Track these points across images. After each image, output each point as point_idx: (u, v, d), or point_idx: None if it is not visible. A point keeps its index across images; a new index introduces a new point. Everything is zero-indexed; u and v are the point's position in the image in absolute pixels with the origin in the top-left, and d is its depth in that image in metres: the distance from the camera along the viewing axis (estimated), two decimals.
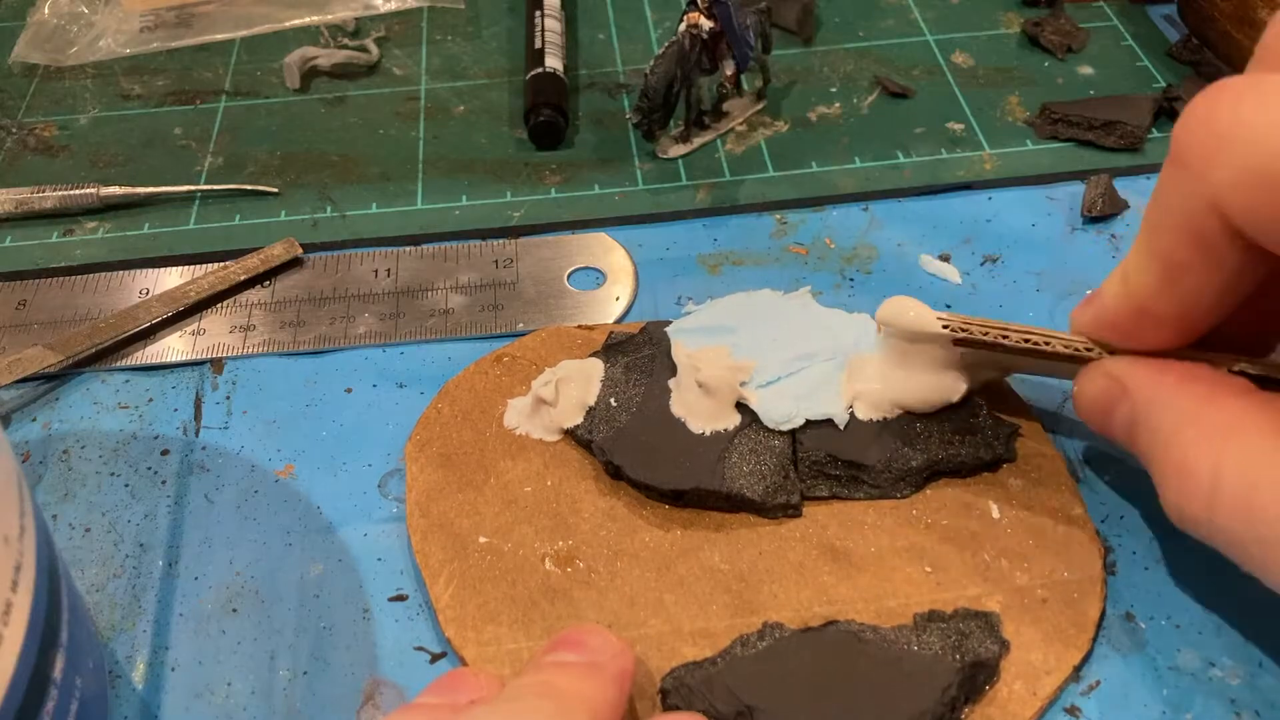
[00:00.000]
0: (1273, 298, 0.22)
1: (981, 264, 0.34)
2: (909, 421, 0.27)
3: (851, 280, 0.33)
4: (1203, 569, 0.25)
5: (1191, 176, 0.19)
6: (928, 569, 0.25)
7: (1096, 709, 0.23)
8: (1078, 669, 0.24)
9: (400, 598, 0.26)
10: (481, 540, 0.26)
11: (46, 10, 0.45)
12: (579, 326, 0.31)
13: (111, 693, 0.24)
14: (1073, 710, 0.23)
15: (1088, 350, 0.24)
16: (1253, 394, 0.21)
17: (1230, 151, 0.18)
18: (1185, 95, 0.38)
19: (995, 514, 0.26)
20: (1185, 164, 0.19)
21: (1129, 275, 0.21)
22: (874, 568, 0.25)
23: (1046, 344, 0.24)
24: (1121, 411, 0.22)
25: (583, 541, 0.26)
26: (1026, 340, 0.24)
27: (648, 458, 0.26)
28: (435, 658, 0.25)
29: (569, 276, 0.34)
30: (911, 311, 0.25)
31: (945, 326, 0.24)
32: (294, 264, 0.34)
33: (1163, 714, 0.23)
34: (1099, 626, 0.24)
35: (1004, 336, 0.24)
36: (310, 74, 0.42)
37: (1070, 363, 0.24)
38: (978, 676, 0.23)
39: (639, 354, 0.29)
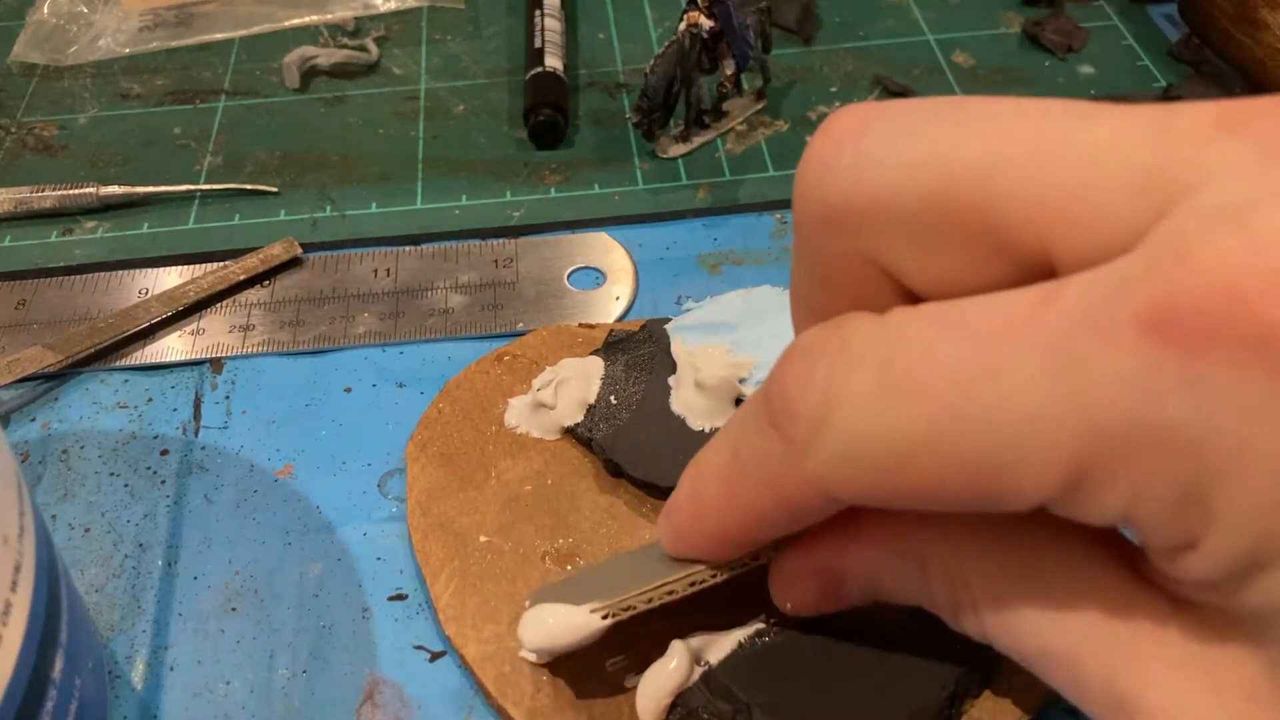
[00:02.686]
0: None
1: None
2: None
3: None
4: None
5: (788, 460, 0.17)
6: None
7: None
8: None
9: (400, 597, 0.26)
10: (482, 539, 0.26)
11: (46, 10, 0.45)
12: (580, 325, 0.31)
13: (111, 692, 0.24)
14: (1073, 710, 0.23)
15: (712, 576, 0.21)
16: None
17: (830, 434, 0.16)
18: (1186, 95, 0.38)
19: None
20: (787, 446, 0.17)
21: (704, 503, 0.20)
22: None
23: (671, 594, 0.21)
24: (849, 593, 0.21)
25: (583, 540, 0.26)
26: (668, 595, 0.21)
27: (648, 455, 0.26)
28: (435, 656, 0.25)
29: (569, 276, 0.34)
30: (569, 619, 0.21)
31: (603, 615, 0.21)
32: (293, 264, 0.34)
33: None
34: None
35: (648, 601, 0.21)
36: (310, 73, 0.42)
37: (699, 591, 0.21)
38: (978, 671, 0.23)
39: (639, 351, 0.29)
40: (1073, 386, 0.14)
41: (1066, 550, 0.18)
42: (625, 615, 0.21)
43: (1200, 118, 0.14)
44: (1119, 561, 0.17)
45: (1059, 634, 0.17)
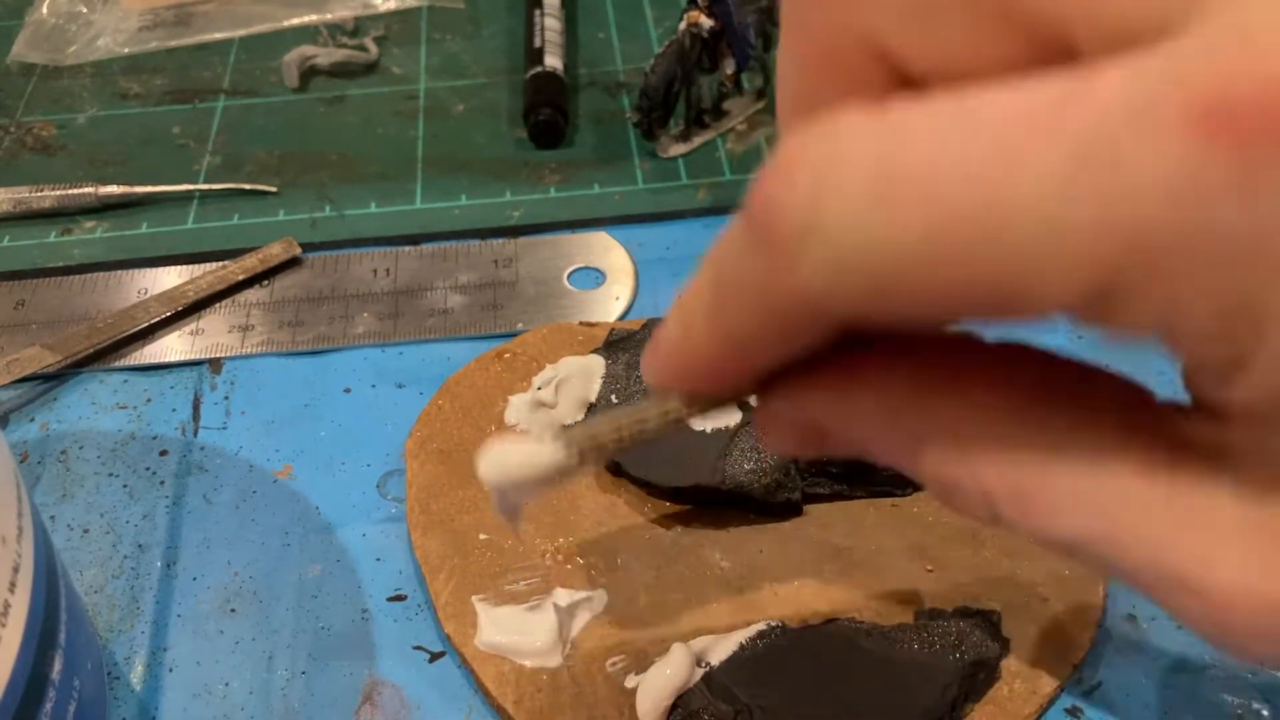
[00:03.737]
0: None
1: None
2: None
3: None
4: None
5: (775, 270, 0.15)
6: (929, 567, 0.25)
7: (1097, 710, 0.23)
8: (1078, 668, 0.24)
9: (399, 598, 0.26)
10: (481, 537, 0.26)
11: (45, 9, 0.45)
12: (581, 323, 0.31)
13: (110, 693, 0.24)
14: (1073, 711, 0.23)
15: (688, 409, 0.19)
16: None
17: (818, 243, 0.14)
18: None
19: None
20: (770, 258, 0.15)
21: (698, 335, 0.18)
22: (875, 566, 0.25)
23: (643, 425, 0.19)
24: (834, 447, 0.19)
25: (583, 538, 0.26)
26: (640, 426, 0.19)
27: (648, 455, 0.26)
28: (434, 657, 0.25)
29: (569, 276, 0.33)
30: (532, 451, 0.19)
31: (567, 446, 0.19)
32: (293, 264, 0.34)
33: (1163, 715, 0.23)
34: (1100, 625, 0.24)
35: (618, 433, 0.19)
36: (309, 73, 0.42)
37: (673, 425, 0.19)
38: (978, 675, 0.23)
39: (640, 350, 0.29)
40: (1105, 187, 0.12)
41: (1089, 428, 0.16)
42: (593, 450, 0.19)
43: None
44: (1149, 434, 0.16)
45: (1089, 518, 0.16)
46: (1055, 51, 0.14)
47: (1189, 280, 0.13)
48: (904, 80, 0.16)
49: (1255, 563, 0.14)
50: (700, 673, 0.22)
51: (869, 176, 0.14)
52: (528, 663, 0.23)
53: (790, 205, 0.14)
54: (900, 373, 0.17)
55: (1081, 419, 0.16)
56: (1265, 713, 0.23)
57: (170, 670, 0.25)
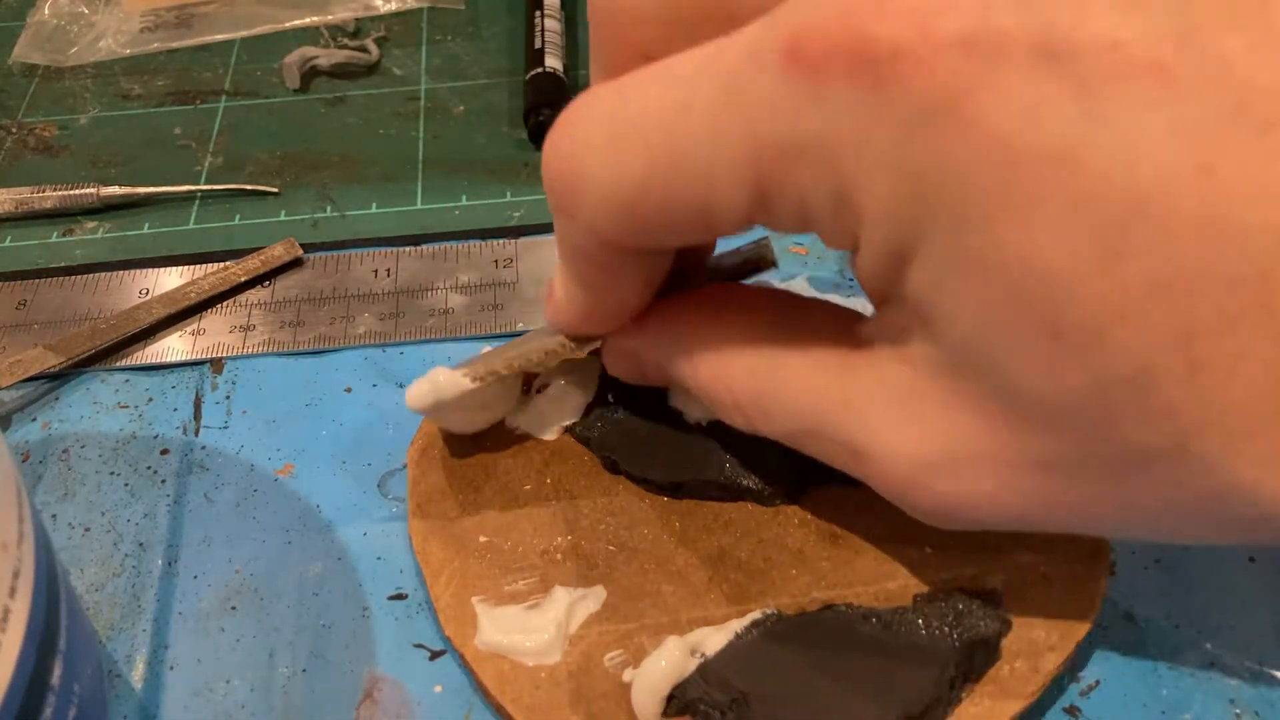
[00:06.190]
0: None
1: None
2: None
3: (851, 280, 0.33)
4: (1203, 569, 0.25)
5: (570, 219, 0.20)
6: (928, 550, 0.25)
7: (1096, 709, 0.23)
8: (1083, 644, 0.23)
9: (400, 596, 0.26)
10: (482, 539, 0.26)
11: (46, 10, 0.45)
12: None
13: (111, 692, 0.24)
14: (1072, 710, 0.23)
15: (570, 347, 0.24)
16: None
17: (585, 189, 0.19)
18: None
19: None
20: (561, 210, 0.20)
21: (563, 288, 0.23)
22: (874, 551, 0.25)
23: (528, 360, 0.25)
24: (649, 372, 0.24)
25: (583, 538, 0.26)
26: (525, 361, 0.25)
27: (645, 451, 0.26)
28: (434, 655, 0.25)
29: None
30: (441, 378, 0.25)
31: (474, 379, 0.25)
32: (294, 264, 0.34)
33: (1162, 714, 0.23)
34: (1103, 603, 0.24)
35: (508, 366, 0.25)
36: (310, 74, 0.42)
37: (555, 358, 0.25)
38: (977, 655, 0.23)
39: None
40: (740, 113, 0.16)
41: (805, 344, 0.20)
42: (489, 377, 0.25)
43: None
44: (848, 345, 0.20)
45: (799, 416, 0.20)
46: None
47: (803, 177, 0.16)
48: None
49: (910, 425, 0.18)
50: (696, 662, 0.23)
51: (605, 130, 0.18)
52: (527, 661, 0.23)
53: (562, 162, 0.19)
54: (678, 307, 0.22)
55: (801, 339, 0.20)
56: (1263, 712, 0.23)
57: (171, 668, 0.25)
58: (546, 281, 0.24)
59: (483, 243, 0.35)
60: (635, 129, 0.17)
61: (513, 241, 0.35)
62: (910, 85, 0.14)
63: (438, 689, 0.24)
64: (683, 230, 0.19)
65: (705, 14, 0.18)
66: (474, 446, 0.28)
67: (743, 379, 0.21)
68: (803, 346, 0.20)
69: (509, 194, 0.36)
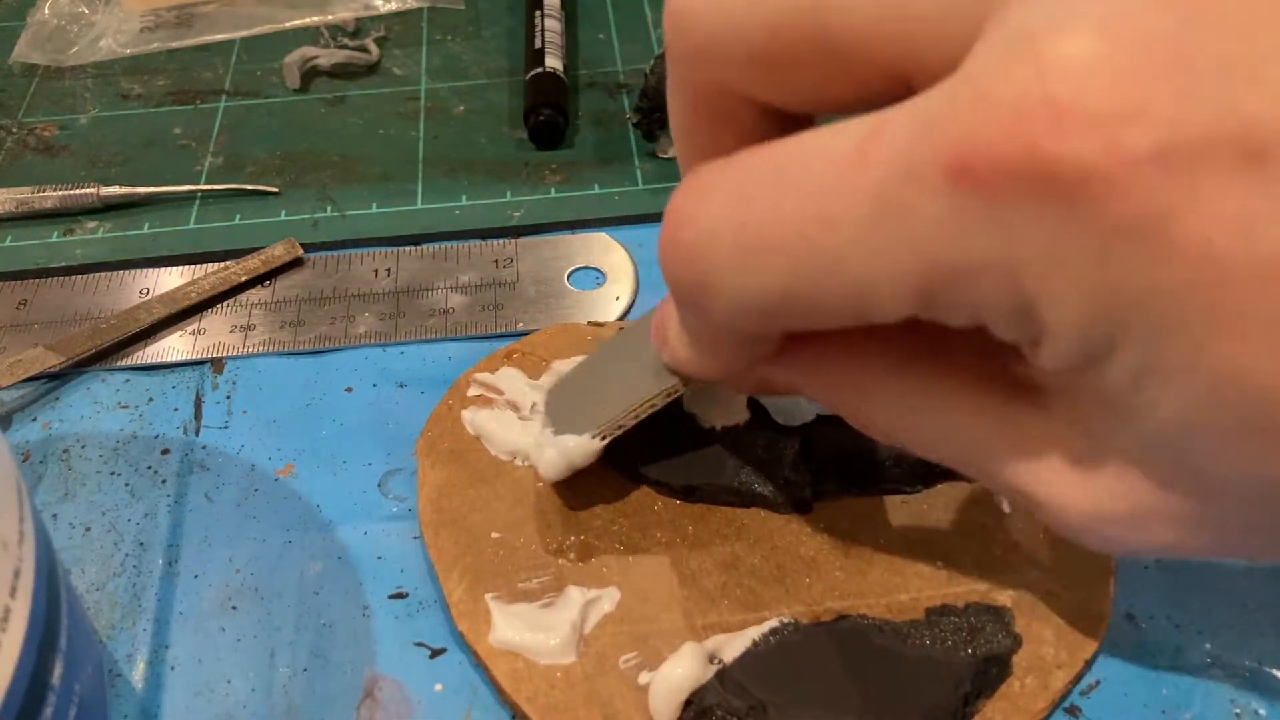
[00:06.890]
0: None
1: None
2: None
3: None
4: (1203, 569, 0.25)
5: (697, 313, 0.20)
6: (939, 563, 0.25)
7: (1096, 709, 0.23)
8: (1089, 663, 0.24)
9: (400, 595, 0.26)
10: (494, 535, 0.26)
11: (47, 10, 0.45)
12: (589, 323, 0.31)
13: (111, 691, 0.24)
14: (1073, 710, 0.23)
15: (676, 390, 0.24)
16: None
17: (716, 298, 0.18)
18: None
19: (1006, 508, 0.26)
20: (687, 305, 0.20)
21: (685, 347, 0.22)
22: (886, 563, 0.25)
23: (653, 406, 0.24)
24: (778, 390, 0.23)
25: (594, 537, 0.26)
26: (651, 408, 0.24)
27: (659, 454, 0.26)
28: (435, 653, 0.25)
29: (569, 276, 0.34)
30: (570, 444, 0.25)
31: (603, 438, 0.25)
32: (294, 264, 0.34)
33: (1163, 714, 0.23)
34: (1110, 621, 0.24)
35: (635, 417, 0.24)
36: (310, 74, 0.42)
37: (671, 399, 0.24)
38: (990, 670, 0.23)
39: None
40: (901, 230, 0.15)
41: (944, 377, 0.20)
42: (617, 432, 0.24)
43: None
44: (993, 379, 0.19)
45: (950, 449, 0.20)
46: (898, 86, 0.17)
47: (979, 289, 0.16)
48: (771, 113, 0.19)
49: (1084, 483, 0.18)
50: (713, 670, 0.23)
51: (734, 239, 0.17)
52: (541, 660, 0.23)
53: (688, 267, 0.18)
54: (814, 347, 0.21)
55: (941, 371, 0.20)
56: (1263, 712, 0.23)
57: (172, 668, 0.25)
58: (655, 318, 0.23)
59: (483, 242, 0.35)
60: (772, 242, 0.17)
61: (513, 241, 0.35)
62: (1104, 208, 0.14)
63: (438, 688, 0.24)
64: (833, 323, 0.18)
65: (802, 55, 0.17)
66: (484, 445, 0.28)
67: (882, 412, 0.21)
68: (943, 381, 0.20)
69: (509, 194, 0.36)
